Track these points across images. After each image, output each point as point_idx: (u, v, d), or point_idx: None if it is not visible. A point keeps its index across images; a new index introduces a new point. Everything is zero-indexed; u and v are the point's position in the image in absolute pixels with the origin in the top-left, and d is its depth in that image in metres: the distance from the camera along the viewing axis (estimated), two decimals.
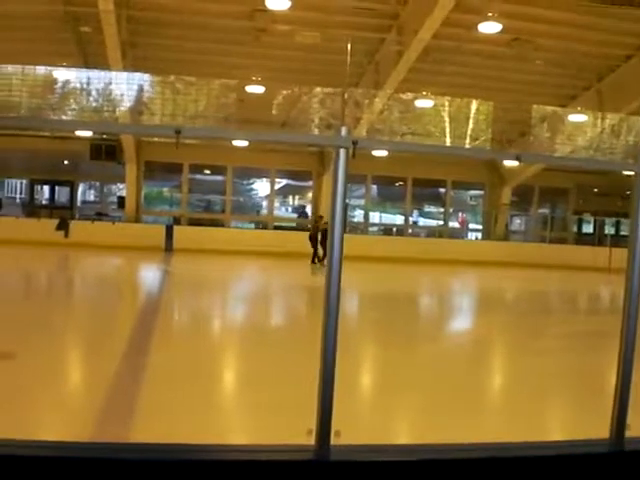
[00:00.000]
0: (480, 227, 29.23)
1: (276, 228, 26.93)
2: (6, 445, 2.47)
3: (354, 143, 2.46)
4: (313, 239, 21.45)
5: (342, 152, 2.49)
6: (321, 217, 21.96)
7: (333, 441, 2.58)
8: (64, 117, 24.54)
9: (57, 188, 28.62)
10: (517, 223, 31.96)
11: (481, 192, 28.92)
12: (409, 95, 22.71)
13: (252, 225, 28.34)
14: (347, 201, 2.62)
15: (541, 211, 30.32)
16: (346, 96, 21.99)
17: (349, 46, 18.77)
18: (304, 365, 6.64)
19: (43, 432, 5.28)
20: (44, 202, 28.42)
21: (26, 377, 6.49)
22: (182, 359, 8.04)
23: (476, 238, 29.12)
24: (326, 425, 2.57)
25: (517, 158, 3.21)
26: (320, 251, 20.56)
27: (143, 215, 26.31)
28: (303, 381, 4.97)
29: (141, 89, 23.92)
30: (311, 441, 2.59)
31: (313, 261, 21.29)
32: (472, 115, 25.23)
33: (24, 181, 28.21)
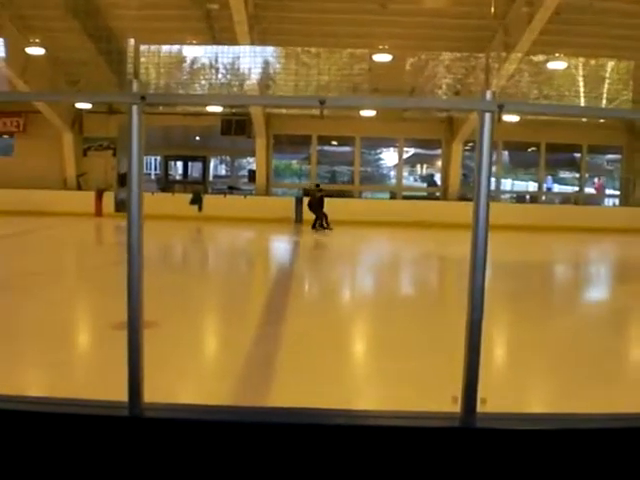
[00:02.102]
0: (617, 193, 28.01)
1: (405, 198, 26.73)
2: (155, 409, 2.58)
3: (500, 107, 2.40)
4: (312, 206, 22.09)
5: (487, 116, 2.43)
6: (318, 185, 23.13)
7: (479, 409, 2.57)
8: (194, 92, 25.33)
9: (190, 163, 29.47)
10: None
11: (619, 156, 27.69)
12: (540, 57, 21.99)
13: (383, 195, 28.18)
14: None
15: None
16: (477, 62, 21.53)
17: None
18: (443, 334, 6.64)
19: (184, 396, 5.51)
20: (178, 177, 29.38)
21: (170, 345, 6.77)
22: (318, 327, 8.16)
23: (613, 204, 27.95)
24: (472, 392, 2.56)
25: None
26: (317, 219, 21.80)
27: (273, 188, 26.71)
28: (445, 349, 4.97)
29: (268, 63, 24.29)
30: (456, 409, 2.58)
31: (314, 226, 21.79)
32: (608, 75, 24.20)
33: (158, 157, 29.19)
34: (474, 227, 2.53)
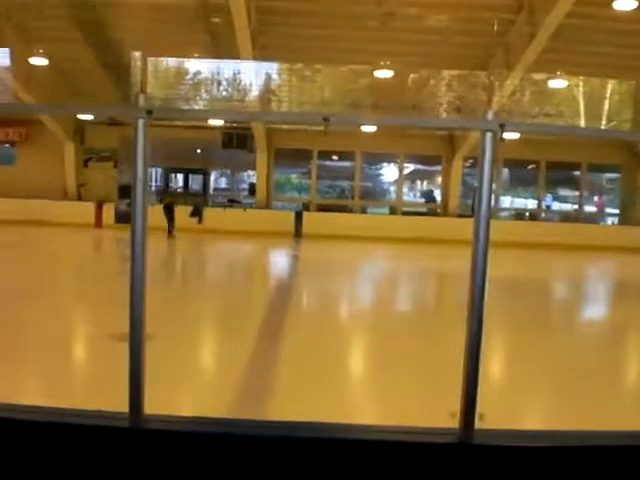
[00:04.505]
0: (617, 211, 28.04)
1: (404, 214, 26.76)
2: (156, 420, 2.60)
3: (501, 126, 2.43)
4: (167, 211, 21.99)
5: (489, 136, 2.47)
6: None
7: (477, 424, 2.58)
8: (195, 107, 25.43)
9: (191, 176, 29.51)
10: None
11: (617, 175, 27.78)
12: (542, 76, 22.07)
13: (382, 210, 28.22)
14: (477, 184, 2.59)
15: None
16: (478, 79, 21.59)
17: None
18: (441, 349, 6.66)
19: (184, 409, 5.52)
20: (179, 190, 29.41)
21: (169, 358, 6.77)
22: (314, 341, 8.17)
23: (612, 223, 28.01)
24: (470, 408, 2.57)
25: None
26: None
27: (273, 201, 26.75)
28: (442, 365, 4.98)
29: (269, 77, 24.37)
30: (455, 424, 2.60)
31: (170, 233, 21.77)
32: (608, 95, 24.28)
33: (159, 169, 29.24)
34: (474, 244, 2.55)
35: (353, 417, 5.34)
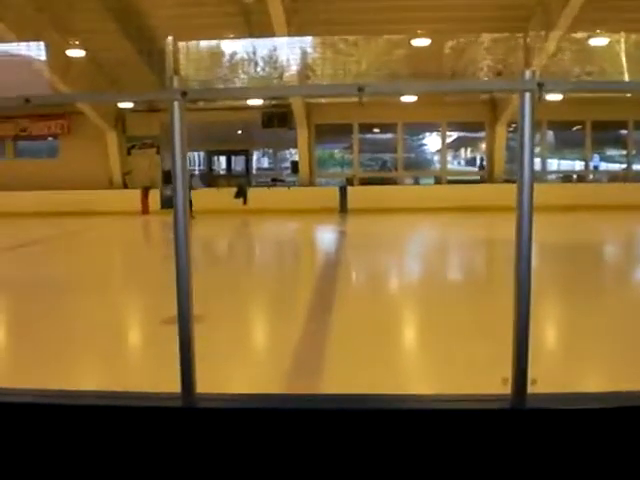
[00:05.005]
0: None
1: (450, 182, 26.52)
2: (208, 399, 2.63)
3: (540, 85, 2.37)
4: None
5: (527, 96, 2.41)
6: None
7: (530, 390, 2.56)
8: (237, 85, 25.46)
9: (233, 157, 29.64)
10: None
11: None
12: (581, 35, 21.61)
13: (428, 180, 28.00)
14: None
15: None
16: (517, 42, 21.25)
17: None
18: (492, 316, 6.60)
19: (236, 386, 5.58)
20: (222, 172, 29.59)
21: (217, 338, 6.84)
22: (366, 316, 8.18)
23: None
24: (522, 373, 2.55)
25: None
26: None
27: (317, 178, 26.73)
28: (494, 332, 4.95)
29: (305, 53, 24.28)
30: (507, 390, 2.58)
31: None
32: None
33: (201, 153, 29.42)
34: (518, 210, 2.52)
35: (405, 388, 5.35)
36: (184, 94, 2.47)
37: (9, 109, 21.15)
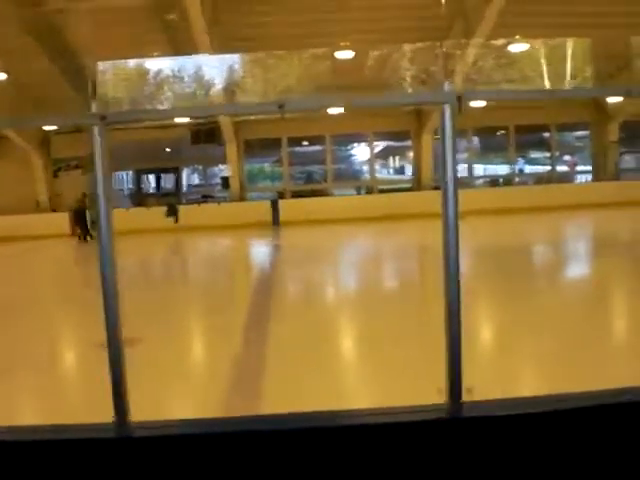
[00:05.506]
0: (589, 169, 28.16)
1: (381, 192, 26.73)
2: (144, 427, 2.56)
3: (458, 98, 2.40)
4: (77, 218, 22.68)
5: (447, 108, 2.44)
6: (85, 195, 22.72)
7: (465, 398, 2.57)
8: (160, 106, 25.20)
9: (162, 175, 29.31)
10: (627, 161, 30.53)
11: (587, 132, 27.90)
12: (502, 41, 22.05)
13: (353, 191, 28.15)
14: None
15: None
16: (439, 50, 21.55)
17: None
18: (426, 326, 6.66)
19: (176, 411, 5.50)
20: (151, 190, 29.24)
21: (155, 360, 6.74)
22: (302, 328, 8.17)
23: (586, 180, 28.13)
24: (456, 382, 2.56)
25: (628, 93, 2.95)
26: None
27: (248, 192, 26.65)
28: (428, 341, 4.98)
29: (231, 69, 24.21)
30: (442, 400, 2.58)
31: (84, 239, 22.44)
32: (570, 54, 24.32)
33: (130, 172, 29.03)
34: (444, 218, 2.54)
35: (344, 402, 5.33)
36: (103, 118, 2.43)
37: None
